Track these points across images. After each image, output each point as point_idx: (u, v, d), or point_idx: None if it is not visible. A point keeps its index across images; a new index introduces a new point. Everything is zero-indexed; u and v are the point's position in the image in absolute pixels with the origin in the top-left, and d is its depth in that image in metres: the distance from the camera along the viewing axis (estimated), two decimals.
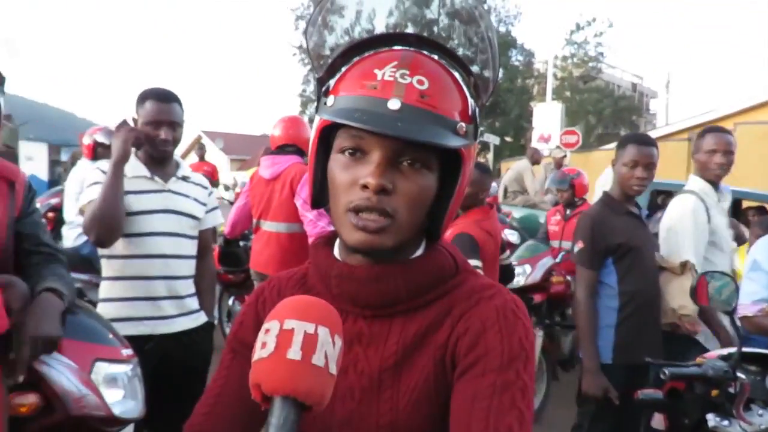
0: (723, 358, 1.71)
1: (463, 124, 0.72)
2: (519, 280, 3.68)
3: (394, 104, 0.68)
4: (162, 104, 1.99)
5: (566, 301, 3.97)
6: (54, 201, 4.03)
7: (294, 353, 0.55)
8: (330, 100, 0.73)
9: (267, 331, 0.57)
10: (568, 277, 4.01)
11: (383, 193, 0.69)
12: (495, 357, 0.70)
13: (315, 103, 0.81)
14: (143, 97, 2.01)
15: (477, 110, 0.76)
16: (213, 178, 8.18)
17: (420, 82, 0.70)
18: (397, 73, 0.70)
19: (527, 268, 3.75)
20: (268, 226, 3.08)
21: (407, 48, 0.76)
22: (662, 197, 6.28)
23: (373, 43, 0.77)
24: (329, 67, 0.77)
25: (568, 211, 4.71)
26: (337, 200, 0.73)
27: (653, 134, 13.50)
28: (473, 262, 2.47)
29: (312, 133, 0.77)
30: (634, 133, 3.35)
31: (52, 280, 1.42)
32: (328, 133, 0.75)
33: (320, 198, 0.79)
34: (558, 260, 4.04)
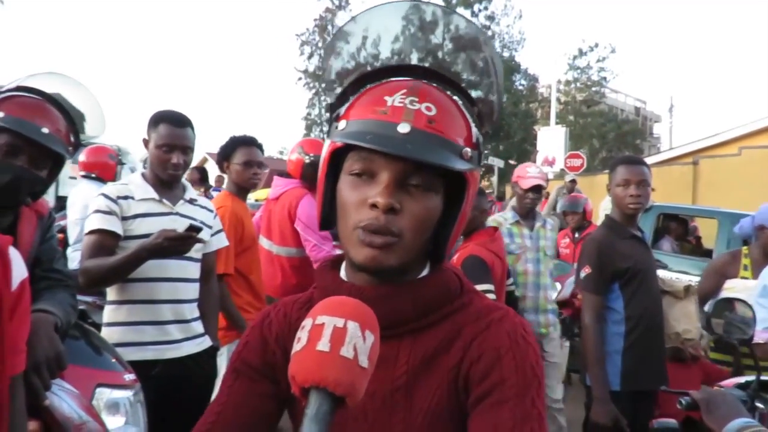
0: (740, 386, 1.67)
1: (468, 150, 0.75)
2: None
3: (403, 128, 0.71)
4: (176, 129, 2.01)
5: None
6: (63, 222, 4.06)
7: (323, 345, 0.57)
8: (341, 124, 0.76)
9: (302, 328, 0.60)
10: None
11: (391, 212, 0.71)
12: (511, 386, 0.71)
13: (319, 126, 0.83)
14: (157, 120, 2.03)
15: (480, 138, 0.80)
16: None
17: (428, 109, 0.73)
18: (407, 100, 0.73)
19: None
20: (266, 244, 3.11)
21: (415, 78, 0.80)
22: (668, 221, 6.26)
23: (383, 73, 0.81)
24: (340, 94, 0.80)
25: (577, 234, 4.85)
26: (346, 220, 0.75)
27: (657, 158, 13.58)
28: (486, 286, 2.43)
29: (322, 156, 0.80)
30: (623, 155, 3.41)
31: (44, 303, 1.39)
32: (337, 156, 0.77)
33: (328, 219, 0.81)
34: None
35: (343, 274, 0.82)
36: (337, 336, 0.57)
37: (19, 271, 0.99)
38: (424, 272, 0.80)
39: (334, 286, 0.80)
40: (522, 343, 0.74)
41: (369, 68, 0.83)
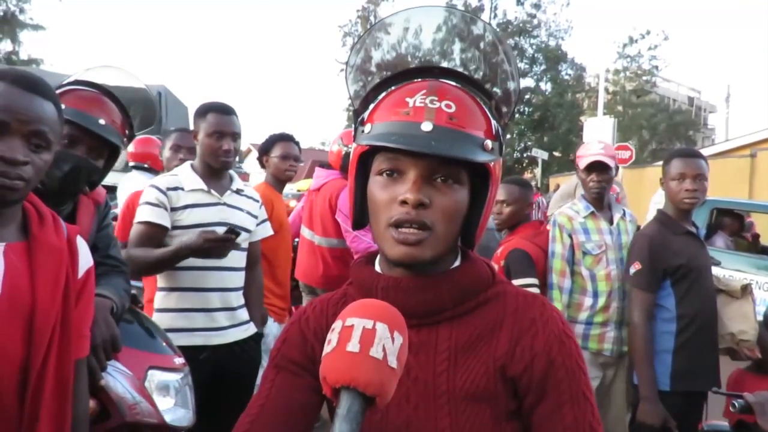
0: None
1: (489, 142, 0.79)
2: None
3: (426, 126, 0.75)
4: (224, 116, 2.07)
5: None
6: (116, 211, 4.23)
7: (352, 346, 0.59)
8: (366, 128, 0.81)
9: (332, 330, 0.63)
10: None
11: (421, 207, 0.76)
12: (565, 389, 0.78)
13: None
14: (204, 111, 2.08)
15: (500, 129, 0.83)
16: None
17: (448, 106, 0.77)
18: (427, 100, 0.77)
19: None
20: (308, 234, 3.14)
21: (433, 79, 0.84)
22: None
23: (401, 77, 0.85)
24: (363, 100, 0.86)
25: None
26: (378, 218, 0.79)
27: (712, 150, 13.01)
28: (530, 280, 2.37)
29: (351, 159, 0.84)
30: (679, 148, 3.18)
31: (101, 288, 1.43)
32: (365, 158, 0.82)
33: (360, 219, 0.86)
34: None
35: (378, 268, 0.86)
36: (366, 337, 0.60)
37: (84, 259, 1.03)
38: (457, 262, 0.85)
39: (370, 280, 0.83)
40: (567, 342, 0.80)
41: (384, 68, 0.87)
